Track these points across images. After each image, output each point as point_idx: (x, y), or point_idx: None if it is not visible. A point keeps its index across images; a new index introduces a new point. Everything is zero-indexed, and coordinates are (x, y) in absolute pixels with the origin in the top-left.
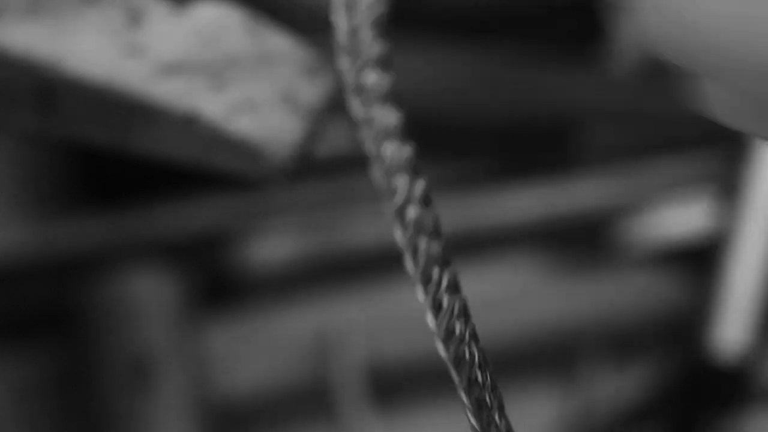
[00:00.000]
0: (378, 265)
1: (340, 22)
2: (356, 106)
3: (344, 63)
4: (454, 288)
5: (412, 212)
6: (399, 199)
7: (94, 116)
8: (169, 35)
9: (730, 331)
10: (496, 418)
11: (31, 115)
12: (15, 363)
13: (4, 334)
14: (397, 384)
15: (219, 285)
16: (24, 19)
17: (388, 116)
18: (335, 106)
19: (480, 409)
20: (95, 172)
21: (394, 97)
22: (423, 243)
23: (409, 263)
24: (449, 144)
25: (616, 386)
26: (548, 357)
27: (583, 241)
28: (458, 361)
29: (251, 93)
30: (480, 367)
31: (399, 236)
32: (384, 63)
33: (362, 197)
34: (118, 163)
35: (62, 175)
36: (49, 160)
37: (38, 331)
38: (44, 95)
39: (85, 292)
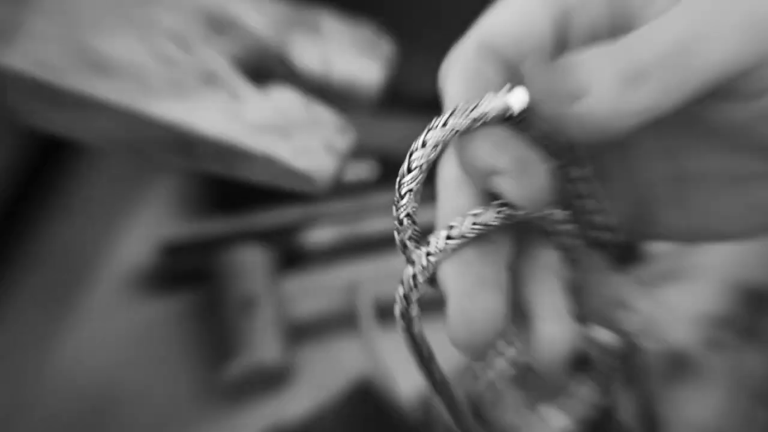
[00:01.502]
0: (383, 244)
1: None
2: None
3: None
4: None
5: None
6: None
7: (213, 157)
8: (256, 108)
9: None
10: None
11: (176, 157)
12: (176, 302)
13: (172, 285)
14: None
15: (291, 255)
16: (167, 97)
17: None
18: (356, 151)
19: None
20: (221, 190)
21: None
22: None
23: None
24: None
25: None
26: None
27: None
28: None
29: (307, 143)
30: None
31: None
32: None
33: (375, 206)
34: (233, 184)
35: (202, 191)
36: (195, 182)
37: (190, 283)
38: (183, 145)
39: (217, 260)
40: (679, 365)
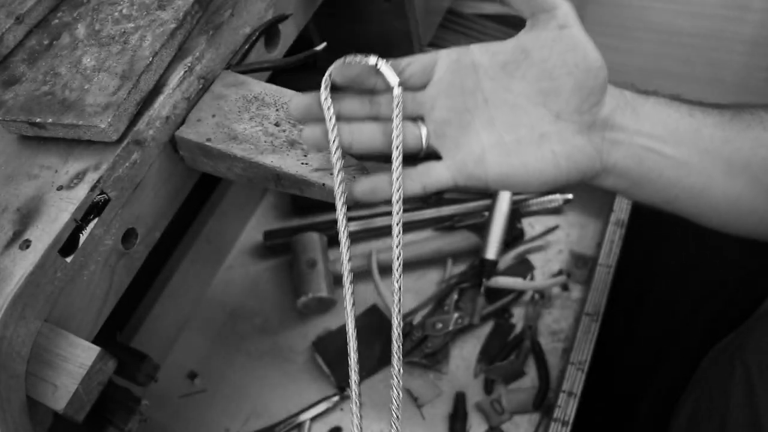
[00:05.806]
0: (383, 233)
1: None
2: None
3: None
4: None
5: None
6: None
7: (292, 185)
8: (316, 159)
9: None
10: None
11: (272, 185)
12: (273, 262)
13: (271, 253)
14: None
15: (334, 238)
16: (269, 154)
17: None
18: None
19: None
20: (297, 202)
21: None
22: None
23: None
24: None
25: None
26: None
27: None
28: None
29: (342, 177)
30: None
31: None
32: None
33: (379, 212)
34: (303, 199)
35: (287, 203)
36: (283, 198)
37: (281, 252)
38: (276, 179)
39: (295, 240)
40: None
